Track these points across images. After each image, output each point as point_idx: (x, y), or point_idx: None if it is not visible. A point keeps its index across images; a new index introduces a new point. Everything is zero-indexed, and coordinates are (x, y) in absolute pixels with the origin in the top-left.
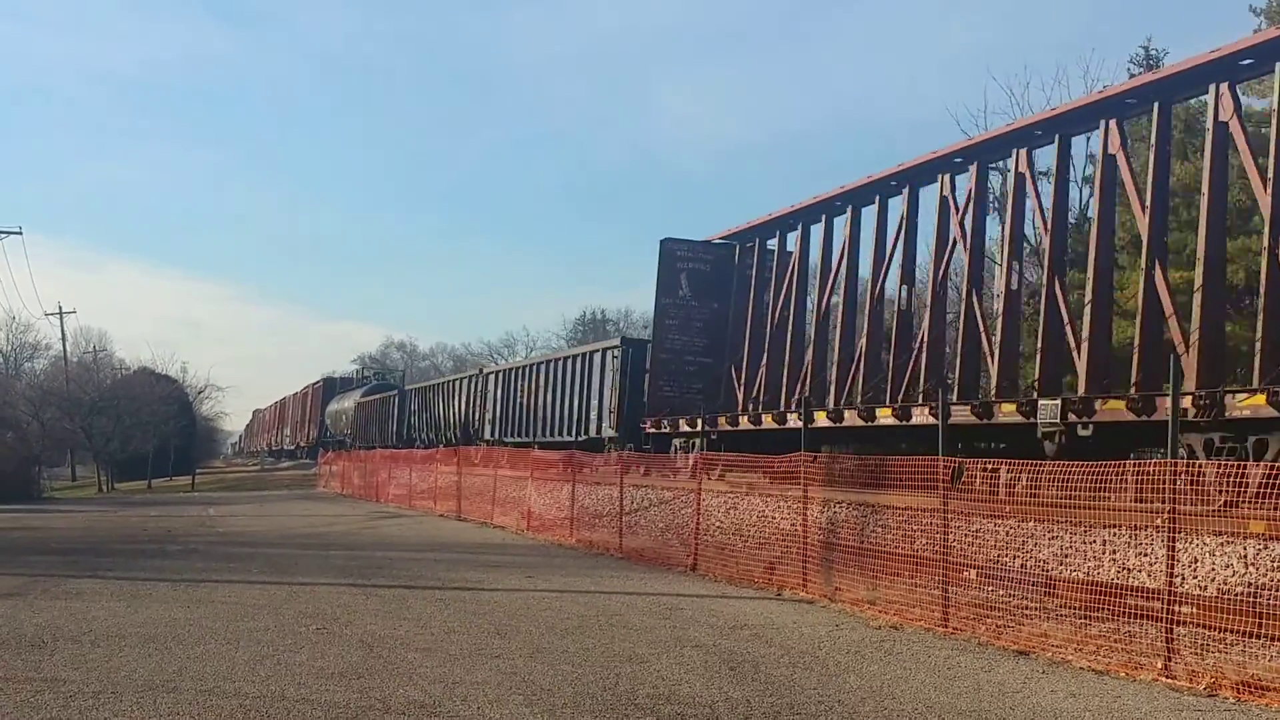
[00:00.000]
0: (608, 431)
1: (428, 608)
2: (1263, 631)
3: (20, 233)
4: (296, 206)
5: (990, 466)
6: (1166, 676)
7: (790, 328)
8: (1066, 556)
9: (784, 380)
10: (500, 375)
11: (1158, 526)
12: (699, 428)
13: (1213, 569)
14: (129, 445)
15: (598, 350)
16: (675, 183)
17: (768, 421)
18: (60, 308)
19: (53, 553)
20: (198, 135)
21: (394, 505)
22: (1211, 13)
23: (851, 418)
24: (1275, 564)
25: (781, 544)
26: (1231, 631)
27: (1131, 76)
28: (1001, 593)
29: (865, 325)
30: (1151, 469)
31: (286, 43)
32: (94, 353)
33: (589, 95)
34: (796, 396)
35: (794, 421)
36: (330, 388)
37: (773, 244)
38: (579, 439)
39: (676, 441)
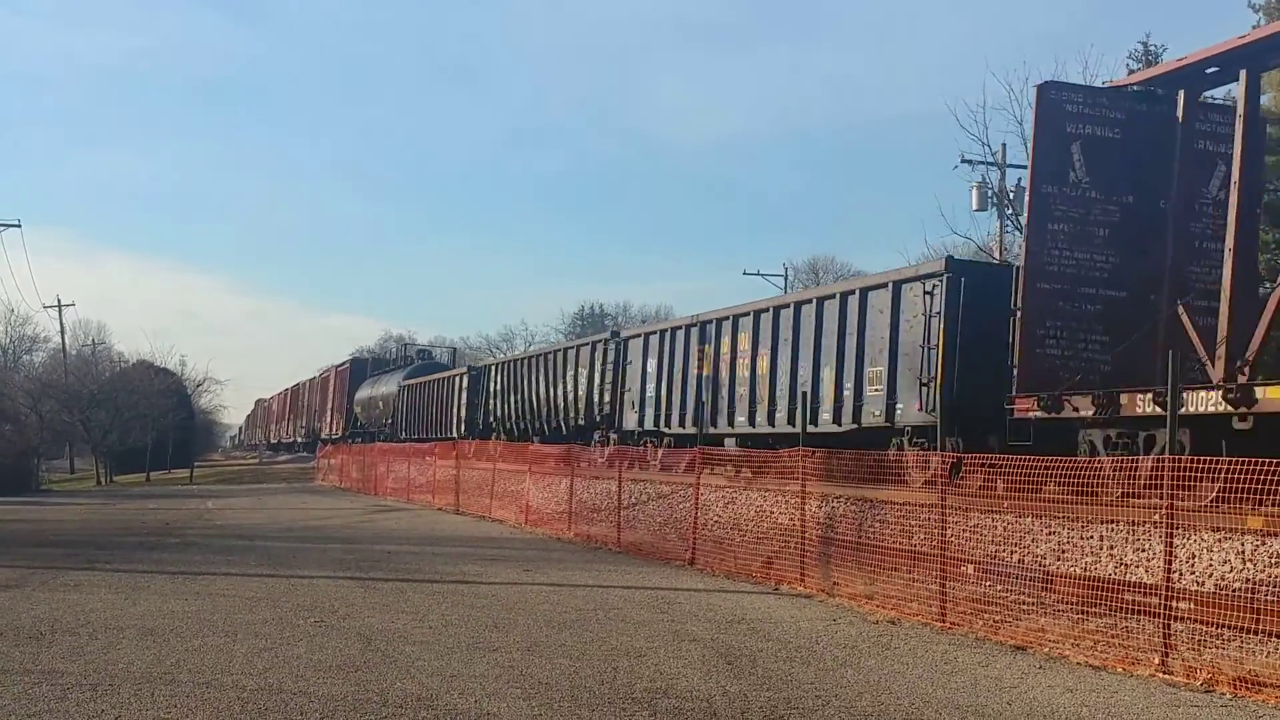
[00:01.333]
0: (911, 416)
1: (425, 601)
2: (1260, 627)
3: (19, 225)
4: (294, 199)
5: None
6: (1164, 672)
7: None
8: (1064, 552)
9: None
10: (658, 337)
11: (1155, 522)
12: (1196, 406)
13: (1210, 564)
14: (127, 438)
15: (884, 285)
16: (673, 177)
17: None
18: (59, 300)
19: (51, 545)
20: (191, 126)
21: (392, 499)
22: (1209, 12)
23: None
24: (1273, 560)
25: (780, 538)
26: (1228, 627)
27: (1131, 73)
28: (999, 588)
29: None
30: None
31: (281, 33)
32: (93, 345)
33: (586, 88)
34: None
35: None
36: (360, 370)
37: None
38: (839, 429)
39: (1094, 436)
